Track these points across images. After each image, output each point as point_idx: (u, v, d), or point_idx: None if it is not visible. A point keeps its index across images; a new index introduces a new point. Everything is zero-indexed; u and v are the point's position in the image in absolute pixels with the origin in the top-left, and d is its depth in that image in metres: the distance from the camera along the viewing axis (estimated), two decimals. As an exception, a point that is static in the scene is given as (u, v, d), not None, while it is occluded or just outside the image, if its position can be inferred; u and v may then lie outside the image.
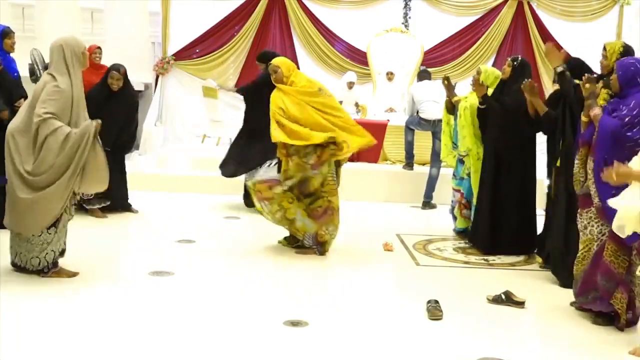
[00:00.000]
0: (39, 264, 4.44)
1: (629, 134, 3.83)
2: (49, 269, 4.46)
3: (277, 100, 5.38)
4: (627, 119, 3.85)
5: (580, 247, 4.17)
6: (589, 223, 4.09)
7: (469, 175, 6.03)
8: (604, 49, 4.58)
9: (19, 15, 10.40)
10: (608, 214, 3.77)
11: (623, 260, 3.88)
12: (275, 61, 5.56)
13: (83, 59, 4.45)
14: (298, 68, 10.96)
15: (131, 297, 4.24)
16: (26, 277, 4.44)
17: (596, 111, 4.03)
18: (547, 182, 5.34)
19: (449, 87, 6.27)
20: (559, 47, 5.09)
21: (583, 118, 4.19)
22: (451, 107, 6.31)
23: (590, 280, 4.04)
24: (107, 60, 8.08)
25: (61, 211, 4.36)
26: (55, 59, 4.39)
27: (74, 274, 4.54)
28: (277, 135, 5.28)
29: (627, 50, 4.52)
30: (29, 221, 4.33)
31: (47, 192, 4.27)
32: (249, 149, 6.68)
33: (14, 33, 5.80)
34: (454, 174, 6.36)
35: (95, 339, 3.53)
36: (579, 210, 4.21)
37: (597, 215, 4.03)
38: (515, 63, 5.61)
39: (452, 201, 6.43)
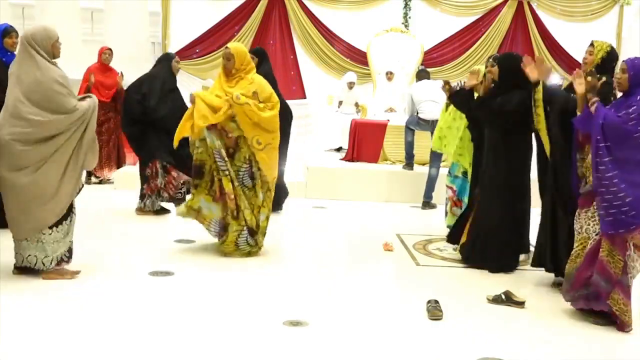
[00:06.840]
0: (51, 262, 4.43)
1: (637, 127, 3.81)
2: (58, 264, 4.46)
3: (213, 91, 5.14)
4: (632, 110, 3.83)
5: (575, 245, 4.18)
6: (586, 222, 4.09)
7: (464, 174, 6.02)
8: (592, 45, 4.60)
9: (19, 15, 10.42)
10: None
11: (618, 260, 3.89)
12: (232, 49, 5.14)
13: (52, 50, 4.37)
14: (298, 68, 11.23)
15: (131, 296, 4.24)
16: (26, 277, 4.44)
17: (596, 105, 4.03)
18: None
19: (451, 92, 6.13)
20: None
21: (579, 112, 4.19)
22: None
23: (581, 278, 4.04)
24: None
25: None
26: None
27: (76, 273, 4.53)
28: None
29: (614, 51, 4.59)
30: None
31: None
32: None
33: (16, 33, 5.63)
34: (449, 172, 6.35)
35: (95, 338, 3.53)
36: (577, 211, 4.20)
37: (594, 214, 4.03)
38: (500, 66, 5.16)
39: (446, 198, 6.44)
